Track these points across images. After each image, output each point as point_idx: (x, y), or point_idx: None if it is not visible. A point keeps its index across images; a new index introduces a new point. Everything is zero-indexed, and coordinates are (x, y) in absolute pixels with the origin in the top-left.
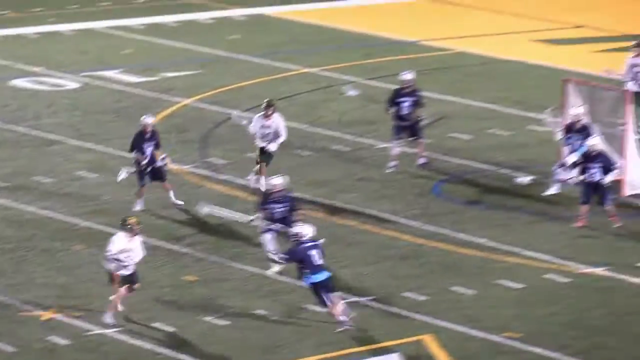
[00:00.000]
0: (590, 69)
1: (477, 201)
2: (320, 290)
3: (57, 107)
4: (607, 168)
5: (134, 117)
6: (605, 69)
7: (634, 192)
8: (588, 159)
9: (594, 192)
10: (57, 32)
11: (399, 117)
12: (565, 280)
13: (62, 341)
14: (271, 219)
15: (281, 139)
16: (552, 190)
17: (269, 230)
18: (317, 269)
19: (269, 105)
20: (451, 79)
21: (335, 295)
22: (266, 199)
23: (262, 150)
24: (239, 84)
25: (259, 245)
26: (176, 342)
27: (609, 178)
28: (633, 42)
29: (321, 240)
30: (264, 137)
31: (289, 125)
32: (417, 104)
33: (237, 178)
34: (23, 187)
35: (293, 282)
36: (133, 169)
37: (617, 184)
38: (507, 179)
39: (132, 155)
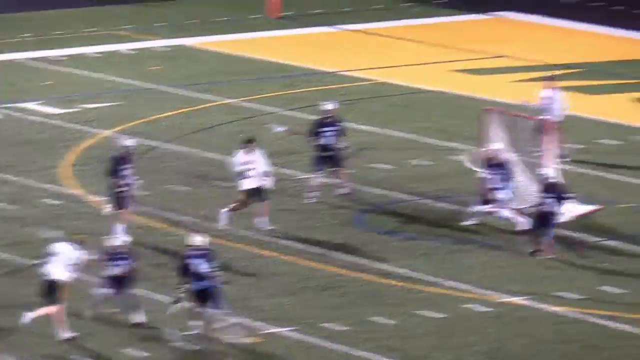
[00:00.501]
0: (509, 99)
1: (398, 231)
2: (199, 299)
3: None
4: (561, 198)
5: (54, 148)
6: (523, 100)
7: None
8: (543, 189)
9: (542, 221)
10: None
11: (321, 147)
12: (486, 309)
13: None
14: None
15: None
16: (472, 220)
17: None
18: (198, 277)
19: (250, 141)
20: (372, 109)
21: (219, 312)
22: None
23: (253, 190)
24: (160, 115)
25: None
26: None
27: (562, 209)
28: (546, 75)
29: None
30: (247, 174)
31: (209, 156)
32: (339, 134)
33: (157, 210)
34: None
35: None
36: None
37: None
38: (428, 210)
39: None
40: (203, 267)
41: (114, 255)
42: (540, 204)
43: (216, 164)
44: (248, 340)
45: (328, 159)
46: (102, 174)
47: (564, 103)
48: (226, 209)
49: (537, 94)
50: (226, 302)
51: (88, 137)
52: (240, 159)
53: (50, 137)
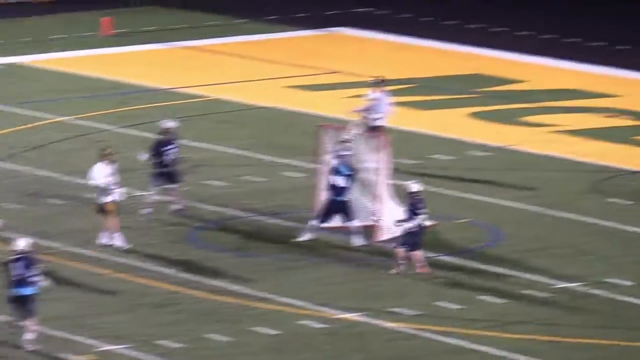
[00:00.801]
0: (343, 114)
1: (232, 248)
2: (17, 304)
3: None
4: (415, 213)
5: None
6: (352, 110)
7: (389, 237)
8: (410, 205)
9: (411, 237)
10: None
11: (161, 164)
12: (321, 326)
13: None
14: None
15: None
16: (306, 236)
17: None
18: (18, 283)
19: (108, 154)
20: (204, 126)
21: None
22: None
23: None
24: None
25: None
26: None
27: (427, 223)
28: (371, 79)
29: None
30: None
31: (42, 174)
32: (177, 151)
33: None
34: None
35: None
36: None
37: (369, 229)
38: (263, 226)
39: None
40: (20, 272)
41: None
42: (407, 219)
43: (49, 182)
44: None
45: (166, 175)
46: None
47: (390, 106)
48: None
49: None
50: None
51: None
52: (101, 172)
53: None
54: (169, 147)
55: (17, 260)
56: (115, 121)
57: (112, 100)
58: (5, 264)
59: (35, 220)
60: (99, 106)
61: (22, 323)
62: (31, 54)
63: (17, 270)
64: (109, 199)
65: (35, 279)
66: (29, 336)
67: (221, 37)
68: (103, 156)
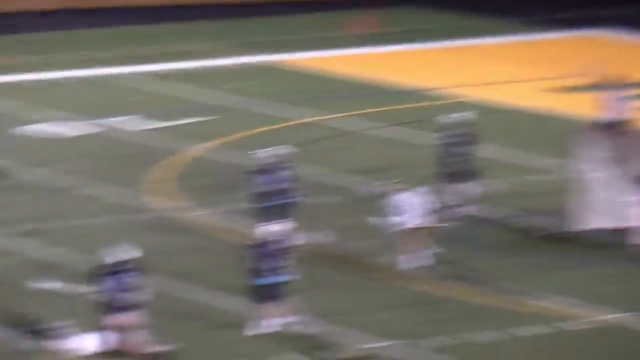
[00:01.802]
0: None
1: (496, 247)
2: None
3: (73, 153)
4: None
5: (142, 163)
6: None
7: None
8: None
9: None
10: (63, 79)
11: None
12: (589, 326)
13: None
14: None
15: None
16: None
17: None
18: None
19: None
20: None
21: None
22: None
23: None
24: (251, 131)
25: None
26: None
27: None
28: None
29: None
30: None
31: (302, 172)
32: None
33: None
34: (43, 232)
35: None
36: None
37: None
38: (523, 226)
39: None
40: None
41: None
42: None
43: (308, 180)
44: None
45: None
46: (196, 189)
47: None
48: None
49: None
50: None
51: (182, 151)
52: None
53: (144, 151)
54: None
55: (259, 246)
56: (371, 121)
57: (370, 99)
58: (250, 248)
59: (303, 216)
60: (357, 106)
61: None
62: (285, 52)
63: (260, 257)
64: (421, 222)
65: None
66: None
67: (482, 37)
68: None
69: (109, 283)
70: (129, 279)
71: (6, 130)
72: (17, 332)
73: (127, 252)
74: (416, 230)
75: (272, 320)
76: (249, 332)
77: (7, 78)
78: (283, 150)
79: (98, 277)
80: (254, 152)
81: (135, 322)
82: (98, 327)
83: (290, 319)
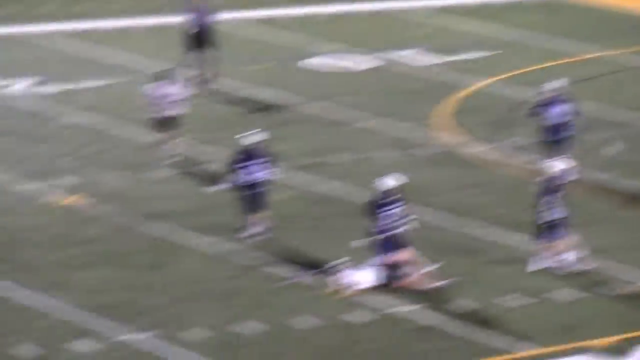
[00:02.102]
0: None
1: None
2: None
3: (358, 85)
4: None
5: (430, 97)
6: None
7: None
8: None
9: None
10: (344, 12)
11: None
12: None
13: (363, 317)
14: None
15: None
16: None
17: None
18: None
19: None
20: None
21: None
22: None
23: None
24: (535, 67)
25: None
26: (475, 319)
27: None
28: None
29: None
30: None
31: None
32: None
33: (534, 160)
34: (322, 164)
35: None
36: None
37: None
38: None
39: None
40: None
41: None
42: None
43: (592, 115)
44: None
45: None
46: (478, 124)
47: None
48: None
49: None
50: None
51: (463, 87)
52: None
53: (430, 84)
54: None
55: (543, 182)
56: None
57: None
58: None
59: (581, 152)
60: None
61: None
62: None
63: (543, 193)
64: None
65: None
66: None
67: None
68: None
69: (382, 217)
70: (401, 212)
71: (287, 64)
72: (299, 268)
73: (396, 182)
74: None
75: (552, 257)
76: (530, 268)
77: (296, 11)
78: (565, 84)
79: (373, 210)
80: (536, 86)
81: (410, 257)
82: (374, 263)
83: (570, 255)
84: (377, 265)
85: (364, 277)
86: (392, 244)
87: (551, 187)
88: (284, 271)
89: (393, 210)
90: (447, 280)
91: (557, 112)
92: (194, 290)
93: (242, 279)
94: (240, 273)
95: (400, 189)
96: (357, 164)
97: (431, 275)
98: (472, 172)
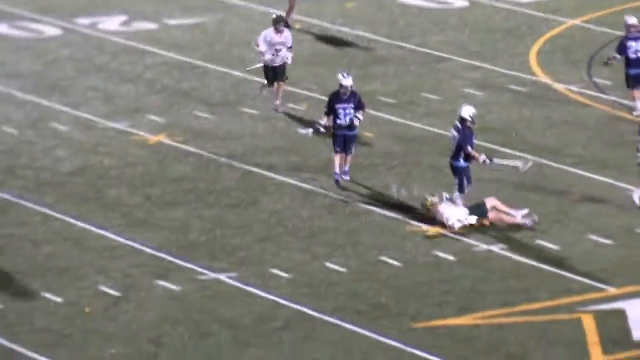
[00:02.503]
0: None
1: None
2: None
3: (445, 24)
4: None
5: (521, 36)
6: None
7: None
8: None
9: None
10: None
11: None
12: None
13: (448, 256)
14: None
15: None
16: None
17: None
18: None
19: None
20: None
21: None
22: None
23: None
24: (628, 6)
25: None
26: (559, 259)
27: None
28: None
29: None
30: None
31: None
32: None
33: (622, 99)
34: (410, 104)
35: None
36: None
37: None
38: None
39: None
40: None
41: None
42: None
43: None
44: None
45: None
46: (567, 63)
47: None
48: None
49: None
50: None
51: (554, 25)
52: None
53: (518, 24)
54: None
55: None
56: None
57: None
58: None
59: None
60: None
61: None
62: None
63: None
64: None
65: None
66: None
67: None
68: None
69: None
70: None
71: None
72: (385, 206)
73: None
74: None
75: None
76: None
77: None
78: None
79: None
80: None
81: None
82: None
83: None
84: (468, 205)
85: (457, 214)
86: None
87: None
88: (370, 210)
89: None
90: (533, 220)
91: (635, 47)
92: (278, 230)
93: (327, 218)
94: (326, 212)
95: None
96: (445, 104)
97: (518, 215)
98: (560, 111)
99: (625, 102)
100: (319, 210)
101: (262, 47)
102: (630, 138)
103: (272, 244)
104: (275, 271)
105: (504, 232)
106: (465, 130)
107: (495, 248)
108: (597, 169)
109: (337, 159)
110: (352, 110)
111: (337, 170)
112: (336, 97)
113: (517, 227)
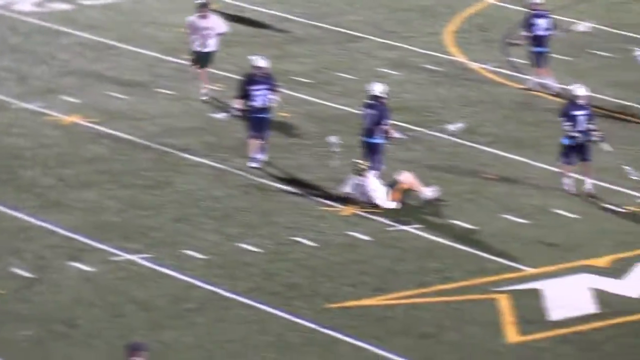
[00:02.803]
0: None
1: None
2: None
3: (360, 4)
4: None
5: (437, 14)
6: None
7: None
8: None
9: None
10: None
11: None
12: None
13: (363, 236)
14: None
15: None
16: None
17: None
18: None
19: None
20: None
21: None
22: None
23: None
24: None
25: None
26: (474, 239)
27: None
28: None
29: None
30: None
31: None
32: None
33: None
34: (326, 83)
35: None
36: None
37: None
38: None
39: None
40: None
41: None
42: None
43: (597, 34)
44: None
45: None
46: (482, 42)
47: None
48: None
49: None
50: None
51: (470, 4)
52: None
53: (434, 3)
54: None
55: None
56: None
57: None
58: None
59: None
60: None
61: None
62: None
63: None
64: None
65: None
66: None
67: None
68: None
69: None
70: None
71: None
72: (300, 187)
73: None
74: None
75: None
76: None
77: None
78: None
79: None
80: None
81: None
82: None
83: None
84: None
85: (381, 191)
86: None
87: (572, 109)
88: (284, 190)
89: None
90: (436, 193)
91: (542, 25)
92: (193, 210)
93: (241, 198)
94: (241, 193)
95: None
96: (360, 83)
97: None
98: (476, 90)
99: (542, 80)
100: (233, 190)
101: (191, 34)
102: (545, 117)
103: (187, 224)
104: (189, 252)
105: (420, 212)
106: (382, 107)
107: (411, 228)
108: (513, 148)
109: (252, 143)
110: (266, 92)
111: (253, 154)
112: (250, 79)
113: (433, 206)
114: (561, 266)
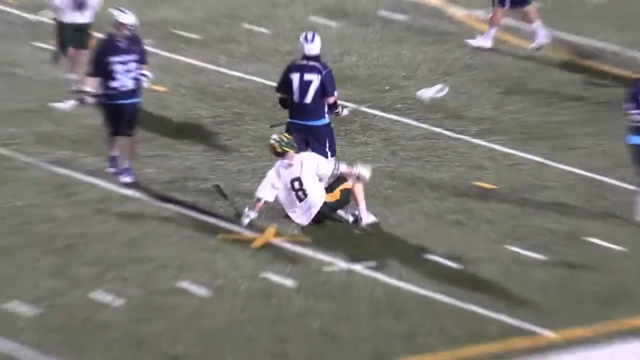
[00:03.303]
0: None
1: None
2: None
3: None
4: None
5: None
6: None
7: None
8: None
9: None
10: None
11: None
12: None
13: (284, 281)
14: None
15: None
16: None
17: None
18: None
19: None
20: None
21: None
22: None
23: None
24: None
25: None
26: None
27: None
28: None
29: None
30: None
31: None
32: None
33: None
34: (223, 41)
35: None
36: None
37: None
38: None
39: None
40: None
41: None
42: None
43: None
44: None
45: None
46: None
47: None
48: None
49: None
50: None
51: None
52: None
53: None
54: None
55: None
56: None
57: None
58: None
59: None
60: None
61: None
62: None
63: None
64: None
65: None
66: None
67: None
68: None
69: None
70: None
71: None
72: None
73: None
74: None
75: None
76: None
77: None
78: None
79: None
80: None
81: None
82: None
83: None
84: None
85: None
86: None
87: None
88: (162, 208)
89: None
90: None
91: None
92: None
93: (93, 221)
94: (95, 212)
95: None
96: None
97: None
98: None
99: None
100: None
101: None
102: None
103: (7, 262)
104: (9, 306)
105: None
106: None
107: (360, 267)
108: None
109: (113, 142)
110: (134, 65)
111: (114, 154)
112: (109, 47)
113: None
114: (599, 328)
